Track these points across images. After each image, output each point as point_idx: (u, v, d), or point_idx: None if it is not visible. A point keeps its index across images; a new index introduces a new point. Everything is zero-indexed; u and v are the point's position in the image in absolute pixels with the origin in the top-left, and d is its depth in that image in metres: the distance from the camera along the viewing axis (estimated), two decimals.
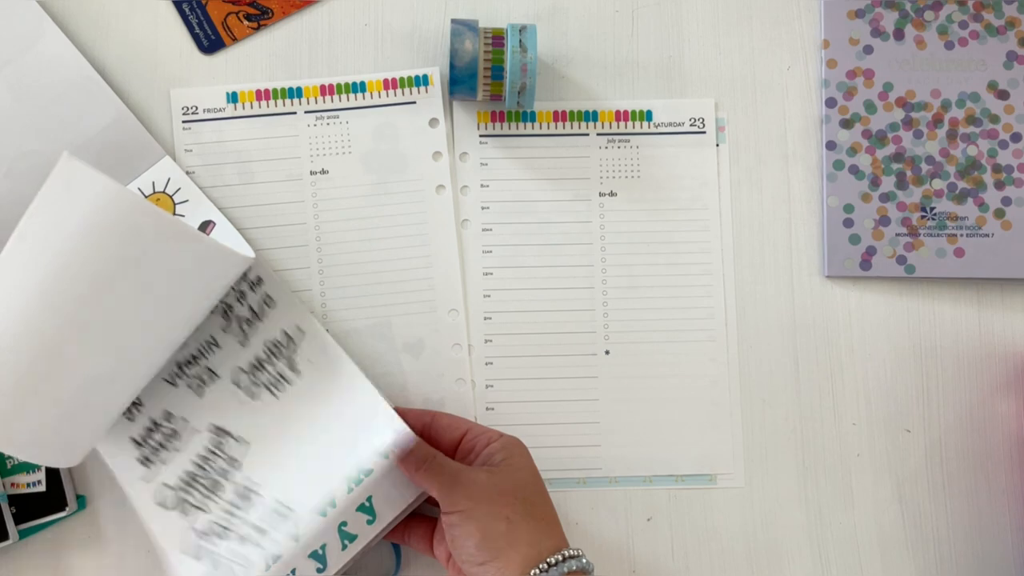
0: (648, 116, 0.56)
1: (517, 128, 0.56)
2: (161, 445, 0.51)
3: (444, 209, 0.55)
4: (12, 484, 0.51)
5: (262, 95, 0.56)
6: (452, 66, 0.52)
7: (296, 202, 0.55)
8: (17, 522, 0.51)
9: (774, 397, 0.55)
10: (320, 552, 0.47)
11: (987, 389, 0.56)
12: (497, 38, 0.52)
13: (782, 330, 0.56)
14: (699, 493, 0.55)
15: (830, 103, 0.56)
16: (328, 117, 0.55)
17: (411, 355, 0.54)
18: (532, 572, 0.43)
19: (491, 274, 0.55)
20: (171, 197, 0.54)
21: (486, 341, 0.55)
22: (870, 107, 0.56)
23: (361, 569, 0.53)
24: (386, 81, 0.56)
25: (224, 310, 0.52)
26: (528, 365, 0.55)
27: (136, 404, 0.51)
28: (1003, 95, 0.56)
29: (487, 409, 0.55)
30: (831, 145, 0.56)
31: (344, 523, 0.47)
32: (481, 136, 0.56)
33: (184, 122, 0.55)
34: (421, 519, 0.51)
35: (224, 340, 0.52)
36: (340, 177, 0.55)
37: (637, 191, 0.56)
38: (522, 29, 0.52)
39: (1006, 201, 0.56)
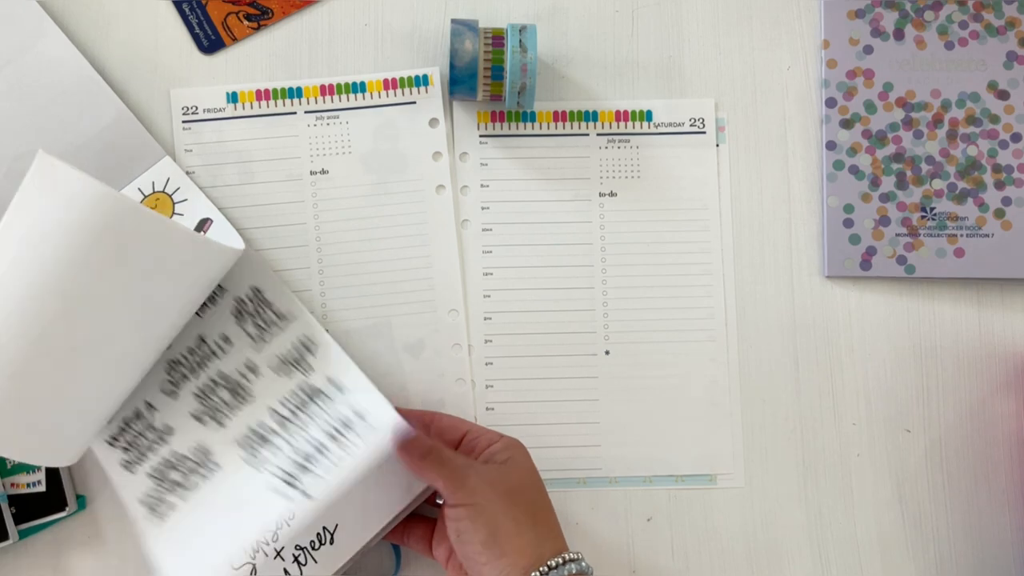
0: (648, 116, 0.56)
1: (517, 128, 0.56)
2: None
3: (444, 209, 0.55)
4: (12, 484, 0.51)
5: (262, 95, 0.56)
6: (452, 66, 0.52)
7: (296, 202, 0.55)
8: (17, 522, 0.51)
9: (774, 397, 0.55)
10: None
11: (987, 389, 0.56)
12: (497, 38, 0.52)
13: (782, 330, 0.56)
14: (699, 493, 0.55)
15: (830, 103, 0.56)
16: (328, 117, 0.55)
17: (411, 355, 0.54)
18: (533, 575, 0.43)
19: (491, 274, 0.55)
20: (171, 197, 0.54)
21: (486, 341, 0.55)
22: (870, 107, 0.56)
23: (361, 569, 0.53)
24: (386, 81, 0.56)
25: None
26: (528, 365, 0.55)
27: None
28: (1003, 95, 0.56)
29: (487, 409, 0.54)
30: (831, 145, 0.56)
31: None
32: (481, 136, 0.56)
33: (184, 122, 0.55)
34: (421, 520, 0.51)
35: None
36: (340, 177, 0.55)
37: (637, 191, 0.56)
38: (522, 29, 0.52)
39: (1006, 201, 0.56)
